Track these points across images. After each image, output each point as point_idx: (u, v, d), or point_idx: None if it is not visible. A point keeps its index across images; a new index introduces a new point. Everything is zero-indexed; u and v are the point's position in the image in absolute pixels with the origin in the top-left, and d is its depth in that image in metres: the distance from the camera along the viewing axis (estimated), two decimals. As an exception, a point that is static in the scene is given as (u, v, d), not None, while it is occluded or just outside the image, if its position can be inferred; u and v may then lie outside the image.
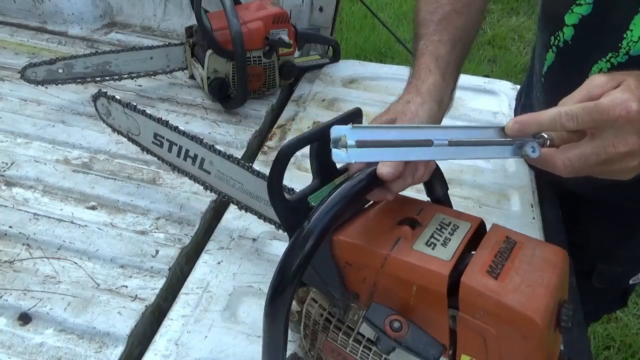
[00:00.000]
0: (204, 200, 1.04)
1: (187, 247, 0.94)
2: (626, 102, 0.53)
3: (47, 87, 1.27)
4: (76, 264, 0.89)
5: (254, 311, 0.83)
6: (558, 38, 0.85)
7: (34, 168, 1.08)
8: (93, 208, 1.01)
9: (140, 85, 1.38)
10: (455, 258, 0.53)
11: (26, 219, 0.97)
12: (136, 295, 0.85)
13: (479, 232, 0.58)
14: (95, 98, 1.05)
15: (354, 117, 0.64)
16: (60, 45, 1.56)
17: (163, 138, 0.97)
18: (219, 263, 0.90)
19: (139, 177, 1.09)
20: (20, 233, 0.94)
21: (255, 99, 1.35)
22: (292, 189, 0.84)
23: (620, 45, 0.77)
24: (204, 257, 0.91)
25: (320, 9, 1.57)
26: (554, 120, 0.54)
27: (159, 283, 0.87)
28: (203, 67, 1.27)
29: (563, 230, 1.03)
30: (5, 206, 0.99)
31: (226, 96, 1.30)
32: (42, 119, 1.23)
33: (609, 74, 0.58)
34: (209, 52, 1.24)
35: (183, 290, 0.85)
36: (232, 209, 1.02)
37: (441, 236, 0.57)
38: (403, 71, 1.52)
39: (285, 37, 1.28)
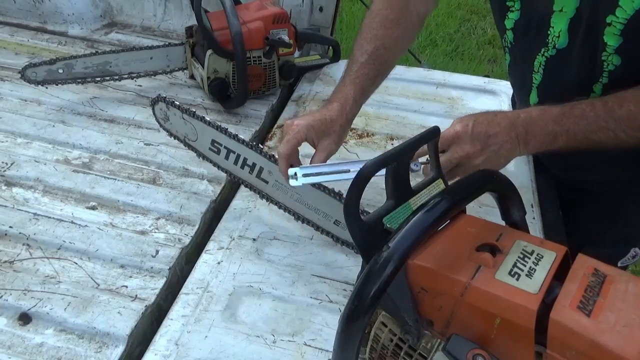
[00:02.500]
0: (204, 200, 1.04)
1: (187, 247, 0.94)
2: (454, 126, 0.86)
3: (47, 87, 1.27)
4: (76, 264, 0.89)
5: (254, 311, 0.83)
6: (506, 40, 1.01)
7: (34, 168, 1.08)
8: (93, 208, 1.00)
9: (140, 85, 1.38)
10: (542, 291, 0.51)
11: (26, 219, 0.97)
12: (136, 295, 0.85)
13: (563, 262, 0.56)
14: (154, 103, 1.05)
15: (431, 136, 0.63)
16: (60, 45, 1.56)
17: (221, 145, 0.97)
18: (219, 263, 0.90)
19: (139, 177, 1.09)
20: (20, 233, 0.94)
21: (255, 99, 1.35)
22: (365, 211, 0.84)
23: (547, 41, 0.92)
24: (204, 257, 0.91)
25: (320, 9, 1.57)
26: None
27: (159, 283, 0.87)
28: (203, 67, 1.27)
29: (563, 231, 1.03)
30: (5, 206, 0.99)
31: (226, 96, 1.30)
32: (42, 119, 1.23)
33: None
34: (209, 52, 1.24)
35: (183, 290, 0.85)
36: (232, 209, 1.02)
37: (525, 266, 0.54)
38: (402, 71, 1.52)
39: (285, 37, 1.27)
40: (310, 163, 0.90)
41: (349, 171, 0.82)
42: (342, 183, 0.82)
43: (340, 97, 0.95)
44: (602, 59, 0.84)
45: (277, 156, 0.89)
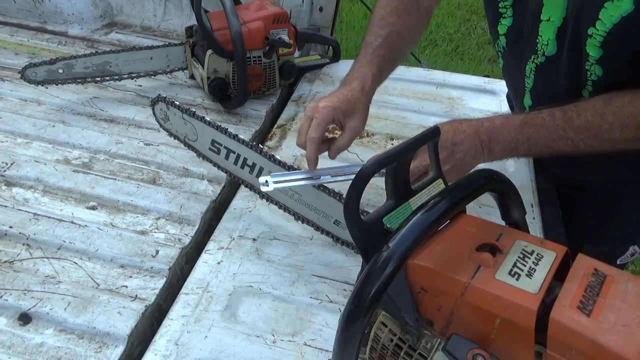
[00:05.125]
0: (204, 200, 1.04)
1: (187, 247, 0.94)
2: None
3: (47, 87, 1.27)
4: (76, 264, 0.89)
5: (254, 311, 0.83)
6: (499, 45, 1.03)
7: (34, 168, 1.08)
8: (93, 208, 1.01)
9: (140, 86, 1.38)
10: (542, 291, 0.51)
11: (26, 219, 0.97)
12: (136, 295, 0.85)
13: (563, 262, 0.56)
14: (154, 102, 1.05)
15: (431, 136, 0.62)
16: (60, 45, 1.56)
17: (221, 145, 0.98)
18: (219, 263, 0.90)
19: (139, 177, 1.09)
20: (20, 233, 0.94)
21: (255, 99, 1.35)
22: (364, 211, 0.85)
23: (537, 48, 0.93)
24: (204, 257, 0.91)
25: (320, 9, 1.57)
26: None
27: (159, 283, 0.87)
28: (203, 67, 1.27)
29: (563, 231, 1.03)
30: (5, 206, 0.99)
31: (226, 96, 1.30)
32: (42, 119, 1.23)
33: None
34: (209, 52, 1.24)
35: (183, 290, 0.85)
36: (232, 209, 1.02)
37: (525, 266, 0.54)
38: (402, 71, 1.52)
39: (285, 37, 1.27)
40: (338, 143, 0.92)
41: (319, 177, 0.86)
42: (342, 183, 0.82)
43: (358, 76, 0.95)
44: (586, 68, 0.86)
45: (298, 142, 0.91)
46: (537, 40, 0.92)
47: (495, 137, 0.87)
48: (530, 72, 0.97)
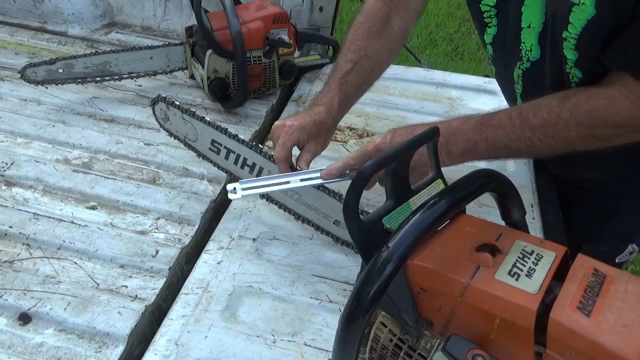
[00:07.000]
0: (204, 200, 1.04)
1: (187, 247, 0.94)
2: (375, 141, 0.87)
3: (47, 87, 1.27)
4: (76, 264, 0.89)
5: (254, 311, 0.83)
6: (487, 53, 1.05)
7: (34, 168, 1.08)
8: (93, 208, 1.01)
9: (140, 85, 1.38)
10: (542, 291, 0.51)
11: (26, 219, 0.97)
12: (136, 295, 0.85)
13: (563, 262, 0.56)
14: (154, 102, 1.05)
15: (430, 136, 0.62)
16: (60, 45, 1.56)
17: (220, 145, 0.98)
18: (219, 263, 0.90)
19: (139, 177, 1.09)
20: (20, 233, 0.94)
21: (255, 99, 1.35)
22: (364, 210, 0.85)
23: (521, 54, 0.95)
24: (204, 257, 0.91)
25: (320, 9, 1.57)
26: (344, 166, 0.85)
27: (159, 283, 0.87)
28: (203, 67, 1.27)
29: (563, 231, 1.03)
30: (5, 206, 0.99)
31: (226, 96, 1.30)
32: (42, 119, 1.23)
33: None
34: (209, 52, 1.24)
35: (183, 290, 0.85)
36: (232, 209, 1.02)
37: (525, 266, 0.54)
38: (403, 71, 1.52)
39: (285, 37, 1.28)
40: (297, 164, 0.91)
41: (288, 182, 0.84)
42: (343, 183, 0.82)
43: (325, 101, 0.96)
44: (567, 71, 0.87)
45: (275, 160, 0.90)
46: (521, 47, 0.93)
47: (453, 138, 0.86)
48: (519, 78, 0.98)
